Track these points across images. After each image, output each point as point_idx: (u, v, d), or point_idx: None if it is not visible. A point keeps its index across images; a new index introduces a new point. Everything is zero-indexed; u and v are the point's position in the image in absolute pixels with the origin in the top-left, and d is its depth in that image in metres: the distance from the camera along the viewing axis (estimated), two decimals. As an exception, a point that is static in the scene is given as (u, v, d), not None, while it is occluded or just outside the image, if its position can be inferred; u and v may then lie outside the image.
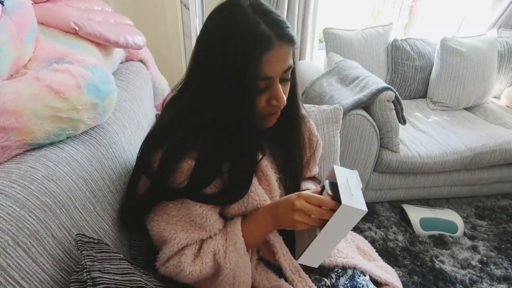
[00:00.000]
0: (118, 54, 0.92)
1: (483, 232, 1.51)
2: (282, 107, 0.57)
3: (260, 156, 0.61)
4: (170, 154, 0.56)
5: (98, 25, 0.78)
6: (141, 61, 1.06)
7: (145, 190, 0.60)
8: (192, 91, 0.57)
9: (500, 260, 1.37)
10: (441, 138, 1.58)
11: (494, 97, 2.07)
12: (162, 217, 0.60)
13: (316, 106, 1.05)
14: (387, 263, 0.80)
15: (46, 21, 0.71)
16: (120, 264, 0.51)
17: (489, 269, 1.32)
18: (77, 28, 0.72)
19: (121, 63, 0.98)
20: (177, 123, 0.58)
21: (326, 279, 0.69)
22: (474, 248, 1.42)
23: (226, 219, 0.65)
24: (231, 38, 0.50)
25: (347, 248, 0.76)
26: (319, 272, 0.70)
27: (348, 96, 1.41)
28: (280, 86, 0.54)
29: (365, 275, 0.70)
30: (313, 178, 0.87)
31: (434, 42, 1.92)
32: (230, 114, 0.54)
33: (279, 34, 0.50)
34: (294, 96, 0.63)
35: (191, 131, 0.57)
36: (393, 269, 0.79)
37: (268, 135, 0.65)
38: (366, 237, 1.42)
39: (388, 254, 1.37)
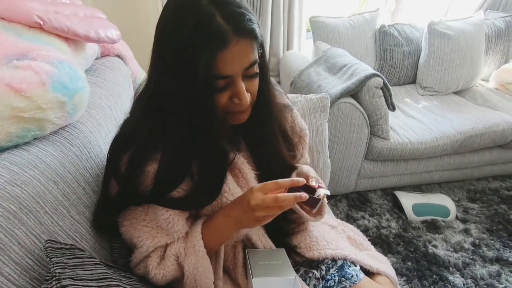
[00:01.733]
0: (92, 49, 0.87)
1: (475, 215, 1.52)
2: (252, 103, 0.53)
3: (234, 154, 0.58)
4: (136, 157, 0.53)
5: (65, 18, 0.73)
6: (118, 56, 1.02)
7: (115, 193, 0.57)
8: (153, 86, 0.53)
9: (492, 241, 1.38)
10: (431, 123, 1.57)
11: (483, 80, 2.07)
12: (131, 222, 0.58)
13: (303, 95, 1.02)
14: (381, 251, 0.79)
15: (7, 16, 0.66)
16: (96, 269, 0.49)
17: (481, 251, 1.33)
18: (41, 23, 0.67)
19: (96, 59, 0.93)
20: (142, 122, 0.55)
21: (315, 271, 0.67)
22: (466, 231, 1.42)
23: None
24: (182, 32, 0.45)
25: (338, 239, 0.74)
26: (308, 265, 0.69)
27: (336, 84, 1.38)
28: (242, 84, 0.49)
29: (355, 265, 0.69)
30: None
31: (421, 27, 1.89)
32: (191, 112, 0.50)
33: (236, 29, 0.45)
34: (266, 88, 0.58)
35: (156, 130, 0.53)
36: (386, 258, 0.78)
37: (243, 130, 0.62)
38: (359, 226, 1.42)
39: (381, 242, 1.36)
